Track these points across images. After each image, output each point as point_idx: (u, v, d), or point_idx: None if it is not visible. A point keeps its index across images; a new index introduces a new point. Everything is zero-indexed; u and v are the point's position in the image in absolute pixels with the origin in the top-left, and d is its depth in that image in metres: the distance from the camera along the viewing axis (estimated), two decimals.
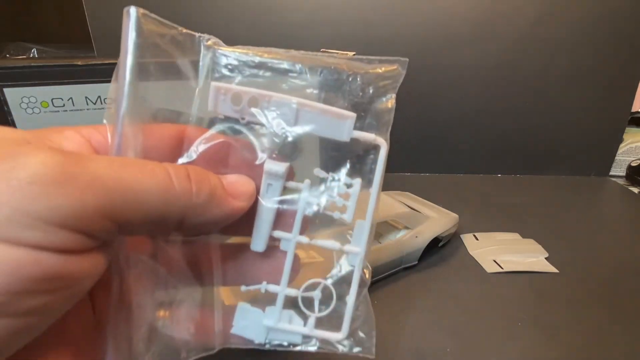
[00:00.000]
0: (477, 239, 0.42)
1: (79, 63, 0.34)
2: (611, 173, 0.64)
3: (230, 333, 0.19)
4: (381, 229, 0.40)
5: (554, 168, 0.63)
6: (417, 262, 0.37)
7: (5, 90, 0.33)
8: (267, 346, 0.19)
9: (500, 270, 0.37)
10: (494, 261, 0.38)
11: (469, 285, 0.35)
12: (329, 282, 0.19)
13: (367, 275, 0.19)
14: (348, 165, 0.18)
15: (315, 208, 0.18)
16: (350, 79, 0.19)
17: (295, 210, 0.18)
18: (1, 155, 0.11)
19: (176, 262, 0.18)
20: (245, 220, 0.17)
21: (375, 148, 0.19)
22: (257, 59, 0.18)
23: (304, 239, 0.18)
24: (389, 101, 0.19)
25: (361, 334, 0.19)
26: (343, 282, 0.19)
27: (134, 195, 0.13)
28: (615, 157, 0.63)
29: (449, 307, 0.32)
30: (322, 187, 0.18)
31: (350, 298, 0.19)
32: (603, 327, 0.30)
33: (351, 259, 0.19)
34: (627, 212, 0.52)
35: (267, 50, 0.18)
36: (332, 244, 0.19)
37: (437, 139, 0.62)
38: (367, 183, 0.19)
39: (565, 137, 0.61)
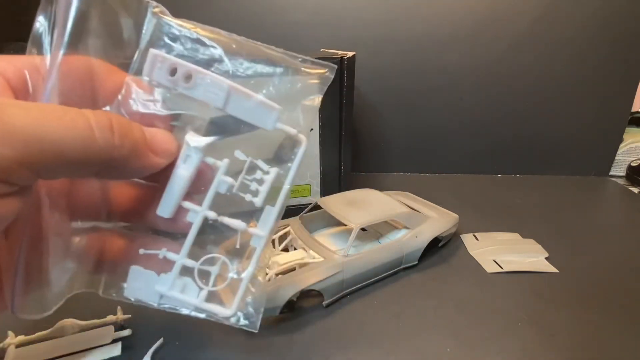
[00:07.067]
0: (477, 239, 0.42)
1: None
2: (611, 173, 0.64)
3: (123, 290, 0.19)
4: (381, 229, 0.40)
5: (554, 168, 0.63)
6: (417, 262, 0.37)
7: None
8: (159, 307, 0.19)
9: (500, 270, 0.37)
10: (494, 261, 0.38)
11: (469, 285, 0.35)
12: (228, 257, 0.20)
13: (267, 258, 0.21)
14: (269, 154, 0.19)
15: (228, 187, 0.19)
16: (281, 72, 0.19)
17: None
18: None
19: (90, 196, 0.18)
20: (161, 172, 0.18)
21: (297, 143, 0.20)
22: (197, 36, 0.18)
23: (212, 214, 0.19)
24: (315, 100, 0.20)
25: (250, 310, 0.20)
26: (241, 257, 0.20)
27: (53, 145, 0.13)
28: (615, 157, 0.63)
29: (448, 307, 0.32)
30: (240, 169, 0.19)
31: (246, 276, 0.20)
32: (603, 327, 0.30)
33: (255, 240, 0.20)
34: (627, 212, 0.52)
35: (212, 30, 0.18)
36: (238, 223, 0.20)
37: (437, 139, 0.62)
38: (284, 173, 0.20)
39: (565, 137, 0.61)
